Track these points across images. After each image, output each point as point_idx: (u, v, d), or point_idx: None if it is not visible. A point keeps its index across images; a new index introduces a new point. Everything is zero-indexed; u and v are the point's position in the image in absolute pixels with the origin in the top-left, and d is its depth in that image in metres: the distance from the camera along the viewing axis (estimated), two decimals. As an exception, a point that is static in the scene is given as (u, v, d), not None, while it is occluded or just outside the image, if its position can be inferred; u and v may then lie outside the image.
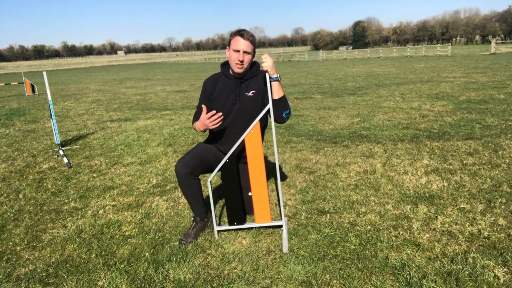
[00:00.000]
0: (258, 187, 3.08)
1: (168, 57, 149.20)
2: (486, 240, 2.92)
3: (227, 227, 3.24)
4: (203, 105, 3.13)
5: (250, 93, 3.21)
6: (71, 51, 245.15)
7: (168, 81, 24.42)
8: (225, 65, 3.32)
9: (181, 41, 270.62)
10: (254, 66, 3.27)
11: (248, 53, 3.09)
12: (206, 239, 3.20)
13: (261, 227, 3.27)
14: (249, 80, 3.24)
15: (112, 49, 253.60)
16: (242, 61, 3.07)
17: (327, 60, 51.32)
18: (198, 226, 3.30)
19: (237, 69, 3.11)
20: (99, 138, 7.59)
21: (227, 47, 3.15)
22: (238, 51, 3.05)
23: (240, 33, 3.05)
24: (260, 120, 2.98)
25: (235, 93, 3.21)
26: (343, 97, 11.81)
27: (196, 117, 3.34)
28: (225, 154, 3.23)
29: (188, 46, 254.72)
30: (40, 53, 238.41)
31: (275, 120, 3.09)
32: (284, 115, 3.14)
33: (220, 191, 4.25)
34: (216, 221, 3.24)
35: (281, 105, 3.10)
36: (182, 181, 3.18)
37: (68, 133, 8.41)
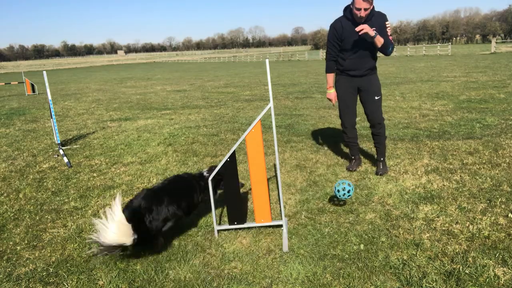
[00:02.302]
0: (258, 186, 3.09)
1: (168, 57, 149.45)
2: (486, 239, 2.92)
3: (227, 226, 3.25)
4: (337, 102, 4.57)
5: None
6: (71, 51, 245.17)
7: (168, 81, 24.43)
8: (346, 9, 4.24)
9: (181, 40, 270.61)
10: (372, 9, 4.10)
11: (367, 9, 3.98)
12: (206, 238, 3.20)
13: (261, 226, 3.27)
14: (371, 20, 4.10)
15: (112, 49, 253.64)
16: (362, 17, 4.02)
17: (327, 60, 51.19)
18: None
19: (358, 20, 4.06)
20: (99, 138, 7.59)
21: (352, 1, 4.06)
22: (360, 9, 3.96)
23: None
24: (373, 53, 4.32)
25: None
26: (343, 96, 11.77)
27: (330, 66, 4.50)
28: (356, 77, 4.41)
29: (188, 46, 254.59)
30: (40, 52, 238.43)
31: (383, 54, 4.34)
32: (388, 51, 4.27)
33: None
34: (216, 221, 3.24)
35: (384, 47, 4.20)
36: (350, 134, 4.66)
37: (68, 132, 8.41)
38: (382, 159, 4.62)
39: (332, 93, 4.58)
